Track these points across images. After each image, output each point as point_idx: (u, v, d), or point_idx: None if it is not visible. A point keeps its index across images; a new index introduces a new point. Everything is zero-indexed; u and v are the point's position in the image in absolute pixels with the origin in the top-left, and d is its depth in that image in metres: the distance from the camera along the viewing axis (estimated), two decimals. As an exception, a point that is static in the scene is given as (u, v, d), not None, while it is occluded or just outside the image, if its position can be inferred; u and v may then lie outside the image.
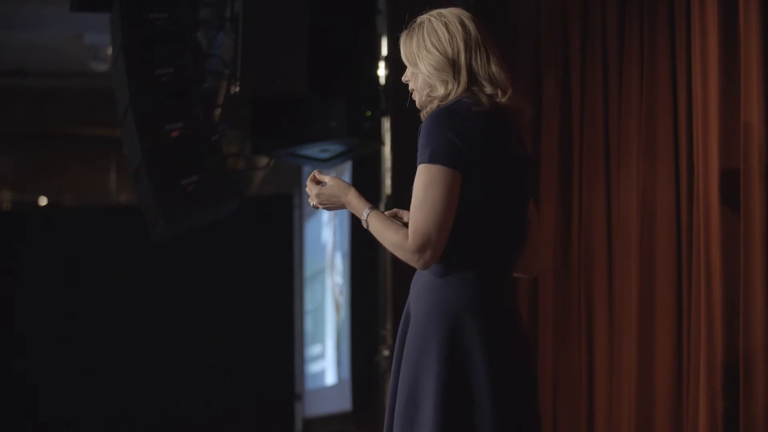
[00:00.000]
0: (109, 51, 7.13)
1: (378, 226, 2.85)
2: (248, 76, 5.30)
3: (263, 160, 6.95)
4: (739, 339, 3.65)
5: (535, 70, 5.37)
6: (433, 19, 2.97)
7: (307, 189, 2.95)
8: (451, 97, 2.89)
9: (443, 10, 2.99)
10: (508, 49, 5.68)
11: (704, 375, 3.81)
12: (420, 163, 2.80)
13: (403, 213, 2.99)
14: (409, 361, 2.83)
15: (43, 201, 12.71)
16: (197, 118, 5.51)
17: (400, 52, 3.01)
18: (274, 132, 5.81)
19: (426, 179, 2.78)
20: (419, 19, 3.01)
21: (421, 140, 2.82)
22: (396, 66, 5.80)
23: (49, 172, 12.38)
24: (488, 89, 2.91)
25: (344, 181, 2.96)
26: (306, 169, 8.34)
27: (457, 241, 2.80)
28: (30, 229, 9.05)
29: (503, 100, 2.91)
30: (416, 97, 3.00)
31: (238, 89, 5.53)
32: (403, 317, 2.94)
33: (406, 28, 3.01)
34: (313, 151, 5.70)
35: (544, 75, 5.26)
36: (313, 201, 2.95)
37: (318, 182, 2.96)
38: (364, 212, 2.88)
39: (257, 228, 8.50)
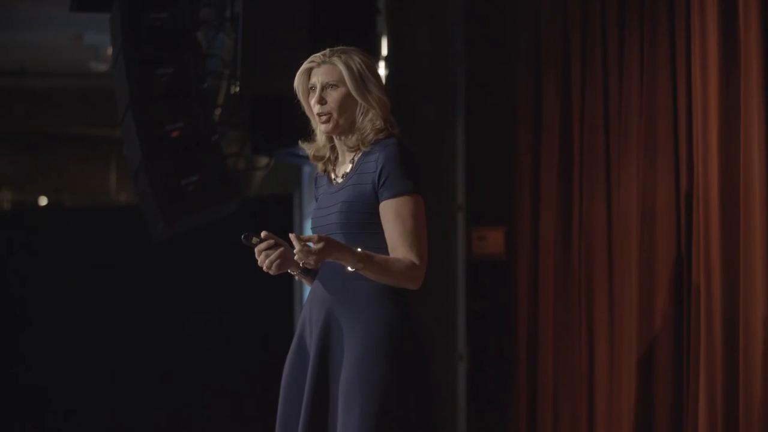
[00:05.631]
0: (109, 51, 7.12)
1: (380, 259, 3.00)
2: (248, 76, 5.30)
3: (263, 160, 6.94)
4: (739, 339, 3.65)
5: (535, 70, 5.36)
6: (365, 58, 3.14)
7: (303, 251, 2.93)
8: (382, 134, 3.09)
9: (358, 50, 3.17)
10: (509, 49, 5.68)
11: (704, 375, 3.81)
12: (404, 194, 3.01)
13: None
14: (369, 367, 2.98)
15: (43, 201, 12.71)
16: (197, 118, 5.50)
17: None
18: (274, 132, 5.81)
19: (414, 208, 3.02)
20: (346, 49, 3.16)
21: (399, 171, 3.02)
22: (396, 66, 5.80)
23: (49, 172, 12.38)
24: (396, 129, 3.14)
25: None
26: (306, 168, 8.33)
27: None
28: (30, 229, 9.03)
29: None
30: (333, 117, 3.11)
31: (238, 89, 5.52)
32: (322, 323, 3.06)
33: (333, 53, 3.14)
34: (313, 151, 5.69)
35: (544, 75, 5.26)
36: (312, 257, 2.94)
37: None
38: (354, 252, 2.97)
39: (257, 228, 8.48)
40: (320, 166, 3.24)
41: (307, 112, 3.20)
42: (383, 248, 3.05)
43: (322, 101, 3.11)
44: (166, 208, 5.48)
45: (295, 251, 2.94)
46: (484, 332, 5.84)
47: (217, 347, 8.50)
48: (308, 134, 3.25)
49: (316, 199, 3.26)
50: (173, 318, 8.50)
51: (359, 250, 2.98)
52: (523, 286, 5.44)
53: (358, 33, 5.70)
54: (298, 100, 3.23)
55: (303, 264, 2.97)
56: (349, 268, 2.98)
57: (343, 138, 3.15)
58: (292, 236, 2.94)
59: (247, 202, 7.05)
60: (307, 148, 3.23)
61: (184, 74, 5.46)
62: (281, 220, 8.64)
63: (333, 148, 3.22)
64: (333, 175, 3.20)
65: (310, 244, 2.94)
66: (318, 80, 3.12)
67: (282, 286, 8.57)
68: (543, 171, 5.23)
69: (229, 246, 8.53)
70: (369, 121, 3.10)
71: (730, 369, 3.70)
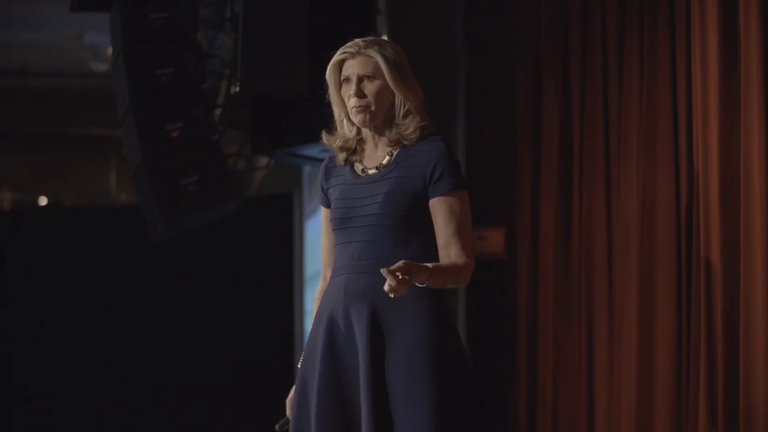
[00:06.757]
0: (109, 51, 7.13)
1: (444, 269, 3.00)
2: (248, 76, 5.30)
3: (263, 160, 6.94)
4: (739, 339, 3.65)
5: (535, 71, 5.37)
6: (398, 48, 3.11)
7: (396, 281, 2.82)
8: (426, 130, 3.09)
9: (388, 41, 3.17)
10: (509, 49, 5.68)
11: (704, 375, 3.81)
12: (457, 190, 3.02)
13: None
14: (430, 359, 2.97)
15: (43, 201, 12.71)
16: (197, 118, 5.51)
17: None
18: (274, 132, 5.81)
19: (464, 205, 3.05)
20: (379, 39, 3.14)
21: (450, 168, 3.03)
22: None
23: (49, 172, 12.39)
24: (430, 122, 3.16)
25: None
26: (306, 168, 8.33)
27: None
28: (30, 229, 9.04)
29: None
30: (370, 109, 3.07)
31: (238, 89, 5.53)
32: (368, 319, 3.00)
33: (367, 44, 3.10)
34: (313, 151, 5.70)
35: (544, 76, 5.26)
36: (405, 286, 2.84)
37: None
38: (428, 269, 2.93)
39: (257, 228, 8.50)
40: (341, 156, 3.17)
41: (335, 104, 3.13)
42: (414, 239, 3.03)
43: (360, 94, 3.05)
44: (166, 208, 5.48)
45: (389, 282, 2.81)
46: (484, 332, 5.84)
47: (218, 347, 8.50)
48: (329, 127, 3.18)
49: (325, 190, 3.20)
50: (173, 318, 8.50)
51: (429, 265, 2.94)
52: (523, 286, 5.44)
53: (358, 33, 5.71)
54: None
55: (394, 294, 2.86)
56: (419, 284, 2.94)
57: (386, 133, 3.09)
58: (384, 271, 2.81)
59: (247, 202, 7.06)
60: (331, 140, 3.15)
61: (184, 74, 5.47)
62: (281, 220, 8.65)
63: (359, 140, 3.16)
64: (360, 166, 3.14)
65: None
66: (354, 72, 3.07)
67: (282, 286, 8.59)
68: (543, 171, 5.23)
69: (229, 246, 8.57)
70: (411, 118, 3.07)
71: (730, 368, 3.71)
